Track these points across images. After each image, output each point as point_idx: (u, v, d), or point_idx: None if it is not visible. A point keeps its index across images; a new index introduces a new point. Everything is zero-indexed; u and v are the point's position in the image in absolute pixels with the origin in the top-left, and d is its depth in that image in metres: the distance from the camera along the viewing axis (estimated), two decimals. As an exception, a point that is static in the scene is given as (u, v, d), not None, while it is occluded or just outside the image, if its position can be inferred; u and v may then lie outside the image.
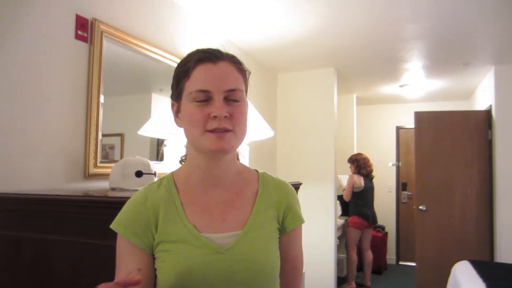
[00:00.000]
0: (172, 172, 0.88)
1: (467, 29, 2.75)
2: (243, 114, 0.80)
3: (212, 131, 0.75)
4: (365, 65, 3.78)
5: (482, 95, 4.20)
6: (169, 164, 2.18)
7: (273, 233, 0.83)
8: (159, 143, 2.16)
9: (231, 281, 0.75)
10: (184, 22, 2.45)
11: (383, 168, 5.67)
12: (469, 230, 3.75)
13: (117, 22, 1.86)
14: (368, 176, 4.40)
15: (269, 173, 0.92)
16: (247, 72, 0.85)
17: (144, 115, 2.06)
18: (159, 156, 2.15)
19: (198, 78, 0.77)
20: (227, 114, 0.75)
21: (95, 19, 1.71)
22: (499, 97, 3.58)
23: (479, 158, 3.78)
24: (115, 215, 0.80)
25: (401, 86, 4.51)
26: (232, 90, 0.77)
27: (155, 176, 1.44)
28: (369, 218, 4.28)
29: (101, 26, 1.73)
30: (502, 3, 2.31)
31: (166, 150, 2.12)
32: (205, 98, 0.76)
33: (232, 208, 0.81)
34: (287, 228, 0.86)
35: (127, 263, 0.77)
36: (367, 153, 5.65)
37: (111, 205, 0.97)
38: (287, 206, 0.86)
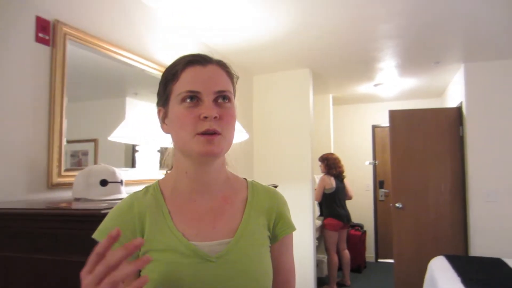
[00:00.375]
0: (158, 181, 0.85)
1: (437, 28, 2.80)
2: (232, 117, 0.79)
3: (202, 134, 0.73)
4: (340, 65, 3.80)
5: (453, 92, 4.30)
6: (141, 170, 2.12)
7: (265, 241, 0.82)
8: (135, 148, 2.10)
9: None
10: (155, 24, 2.39)
11: (360, 167, 5.74)
12: (444, 226, 3.83)
13: (82, 24, 1.79)
14: (338, 176, 4.43)
15: (258, 181, 0.91)
16: (235, 76, 0.84)
17: (119, 119, 2.00)
18: (133, 162, 2.09)
19: (187, 80, 0.76)
20: (217, 115, 0.74)
21: (58, 21, 1.63)
22: (469, 94, 3.66)
23: (451, 155, 3.87)
24: (68, 228, 0.75)
25: (375, 85, 4.57)
26: (221, 92, 0.76)
27: (122, 184, 1.38)
28: (344, 218, 4.32)
29: (64, 28, 1.66)
30: (469, 3, 2.36)
31: (138, 156, 2.06)
32: (195, 99, 0.75)
33: (221, 216, 0.79)
34: (279, 236, 0.85)
35: None
36: (344, 153, 5.73)
37: (62, 218, 0.91)
38: (277, 214, 0.85)
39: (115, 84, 2.10)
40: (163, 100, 0.81)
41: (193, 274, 0.72)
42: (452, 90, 4.36)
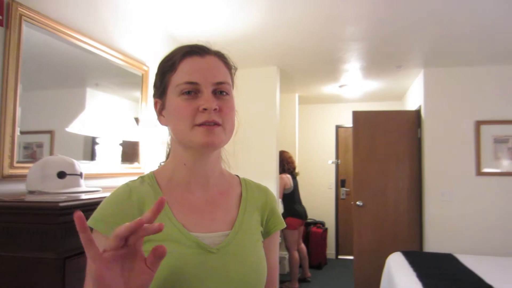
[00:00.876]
0: (153, 171, 0.83)
1: (400, 34, 2.89)
2: (232, 109, 0.79)
3: (201, 124, 0.73)
4: (307, 65, 3.84)
5: (413, 96, 4.48)
6: (102, 164, 2.03)
7: (259, 236, 0.83)
8: (95, 141, 2.00)
9: (224, 281, 0.72)
10: (121, 12, 2.29)
11: (323, 166, 5.86)
12: (401, 223, 3.99)
13: (41, 6, 1.67)
14: (292, 173, 4.52)
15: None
16: (233, 67, 0.85)
17: (78, 111, 1.90)
18: (93, 155, 1.99)
19: (185, 71, 0.75)
20: (217, 107, 0.74)
21: (13, 1, 1.52)
22: (428, 98, 3.83)
23: (410, 155, 4.03)
24: (22, 222, 0.69)
25: (340, 86, 4.67)
26: (220, 83, 0.76)
27: (81, 177, 1.31)
28: (302, 215, 4.44)
29: (20, 9, 1.54)
30: (433, 11, 2.46)
31: (98, 149, 1.97)
32: (193, 90, 0.74)
33: (218, 209, 0.81)
34: (271, 232, 0.87)
35: None
36: (307, 152, 5.83)
37: (15, 211, 0.84)
38: (270, 210, 0.87)
39: (75, 73, 1.97)
40: (160, 91, 0.79)
41: (195, 264, 0.71)
42: (412, 93, 4.54)
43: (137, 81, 2.49)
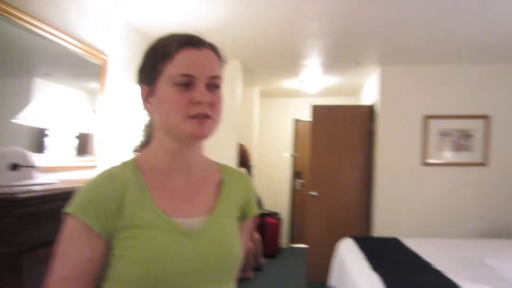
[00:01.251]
0: (135, 157, 0.84)
1: (360, 32, 3.02)
2: (222, 102, 0.81)
3: (193, 117, 0.75)
4: (269, 59, 3.91)
5: (369, 91, 4.68)
6: (53, 156, 1.96)
7: (237, 221, 0.88)
8: (44, 133, 1.92)
9: (201, 266, 0.75)
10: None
11: (280, 158, 6.02)
12: (353, 211, 4.21)
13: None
14: (246, 166, 4.65)
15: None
16: (225, 61, 0.86)
17: (22, 101, 1.77)
18: (42, 148, 1.91)
19: (183, 63, 0.76)
20: (211, 101, 0.76)
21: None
22: (382, 95, 4.03)
23: (363, 147, 4.24)
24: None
25: (300, 81, 4.78)
26: (215, 77, 0.78)
27: (35, 169, 1.28)
28: (260, 205, 4.56)
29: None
30: (390, 12, 2.57)
31: (48, 141, 1.90)
32: (188, 82, 0.75)
33: (199, 195, 0.83)
34: (247, 216, 0.92)
35: (79, 250, 0.72)
36: (266, 144, 5.97)
37: None
38: (248, 195, 0.92)
39: (23, 61, 1.83)
40: (150, 78, 0.79)
41: (175, 250, 0.73)
42: (368, 89, 4.74)
43: (95, 71, 2.41)
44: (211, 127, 0.78)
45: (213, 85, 0.79)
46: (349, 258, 2.92)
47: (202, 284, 0.75)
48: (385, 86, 4.03)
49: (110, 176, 0.77)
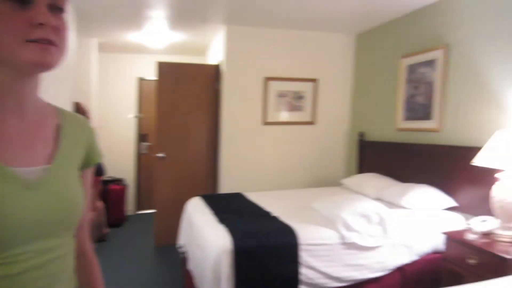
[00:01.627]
0: None
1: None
2: (68, 29, 0.69)
3: (34, 41, 0.62)
4: (107, 6, 3.44)
5: (215, 50, 4.69)
6: None
7: (79, 170, 0.80)
8: None
9: (41, 219, 0.67)
10: None
11: (123, 120, 5.60)
12: (201, 170, 4.28)
13: None
14: None
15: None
16: None
17: None
18: None
19: None
20: (55, 24, 0.64)
21: None
22: (228, 55, 4.09)
23: (210, 107, 4.29)
24: None
25: (144, 35, 4.44)
26: None
27: None
28: (99, 171, 4.23)
29: None
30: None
31: None
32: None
33: (35, 140, 0.71)
34: (89, 165, 0.84)
35: None
36: (108, 105, 5.44)
37: None
38: (89, 143, 0.84)
39: None
40: None
41: (11, 202, 0.63)
42: (215, 48, 4.74)
43: None
44: (57, 55, 0.66)
45: (57, 6, 0.66)
46: (196, 215, 2.95)
47: (41, 237, 0.68)
48: (230, 46, 4.10)
49: None
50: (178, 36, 4.56)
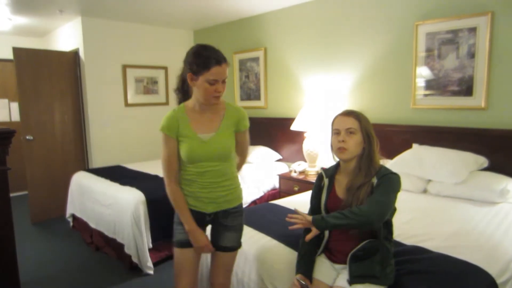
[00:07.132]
0: (184, 103, 1.75)
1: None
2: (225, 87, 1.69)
3: (215, 97, 1.64)
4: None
5: (69, 38, 4.84)
6: None
7: (232, 134, 1.75)
8: None
9: (209, 155, 1.68)
10: None
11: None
12: (69, 150, 4.61)
13: None
14: None
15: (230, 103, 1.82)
16: (229, 65, 1.70)
17: None
18: None
19: (214, 73, 1.58)
20: (223, 90, 1.64)
21: None
22: (86, 44, 4.47)
23: (72, 91, 4.59)
24: None
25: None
26: (225, 78, 1.64)
27: None
28: None
29: None
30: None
31: None
32: (214, 82, 1.60)
33: (212, 121, 1.72)
34: (240, 130, 1.78)
35: (169, 145, 1.68)
36: None
37: None
38: (239, 120, 1.76)
39: None
40: (195, 73, 1.59)
41: (197, 148, 1.68)
42: (68, 35, 4.88)
43: None
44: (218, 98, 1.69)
45: (224, 81, 1.64)
46: (96, 184, 3.53)
47: (211, 161, 1.71)
48: (88, 37, 4.49)
49: (173, 113, 1.71)
50: (20, 20, 4.50)
